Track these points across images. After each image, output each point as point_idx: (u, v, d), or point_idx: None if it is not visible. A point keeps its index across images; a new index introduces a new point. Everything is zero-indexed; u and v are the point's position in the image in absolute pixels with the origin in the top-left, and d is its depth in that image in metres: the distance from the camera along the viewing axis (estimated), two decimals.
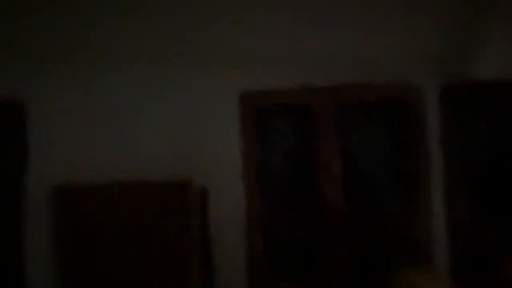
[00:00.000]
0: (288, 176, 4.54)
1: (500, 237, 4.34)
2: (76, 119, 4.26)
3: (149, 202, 4.05)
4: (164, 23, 4.15)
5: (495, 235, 4.38)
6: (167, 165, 4.23)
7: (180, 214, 3.97)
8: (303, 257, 4.45)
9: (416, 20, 4.13)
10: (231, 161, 4.40)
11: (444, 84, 4.44)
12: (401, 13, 4.14)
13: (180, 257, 3.98)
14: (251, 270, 4.38)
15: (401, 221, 4.46)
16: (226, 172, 4.38)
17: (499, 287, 4.14)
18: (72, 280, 3.93)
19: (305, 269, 4.46)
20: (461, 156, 4.49)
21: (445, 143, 4.46)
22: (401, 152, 4.54)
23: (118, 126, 4.29)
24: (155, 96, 4.39)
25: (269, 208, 4.48)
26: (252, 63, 4.35)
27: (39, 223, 4.14)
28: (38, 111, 4.17)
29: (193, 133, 4.38)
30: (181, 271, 3.91)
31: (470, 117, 4.50)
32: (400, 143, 4.53)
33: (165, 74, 4.38)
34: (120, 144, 4.25)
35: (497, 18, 4.26)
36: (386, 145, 4.56)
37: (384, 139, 4.56)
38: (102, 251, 4.10)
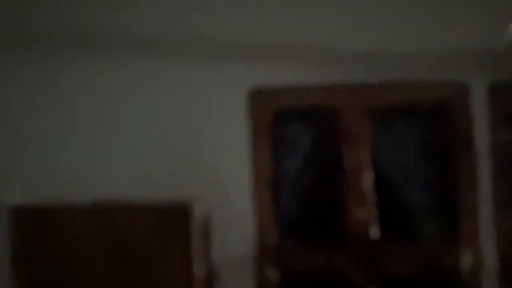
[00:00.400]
0: (308, 195, 3.79)
1: None
2: (42, 123, 3.37)
3: (137, 230, 3.19)
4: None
5: None
6: (159, 182, 3.39)
7: (179, 245, 3.13)
8: None
9: (462, 10, 3.56)
10: (238, 176, 3.65)
11: (495, 84, 3.82)
12: (445, 2, 3.53)
13: None
14: None
15: (445, 252, 3.78)
16: (233, 190, 3.64)
17: None
18: None
19: None
20: None
21: (496, 153, 3.83)
22: (444, 165, 3.84)
23: (97, 132, 3.44)
24: (143, 93, 3.55)
25: (285, 234, 3.74)
26: (266, 54, 3.64)
27: None
28: None
29: (191, 142, 3.60)
30: None
31: None
32: (443, 154, 3.84)
33: (156, 66, 3.57)
34: (100, 154, 3.44)
35: None
36: (426, 156, 3.85)
37: (424, 149, 3.85)
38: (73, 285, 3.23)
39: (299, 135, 3.79)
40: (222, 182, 3.60)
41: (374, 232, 3.73)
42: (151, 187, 3.48)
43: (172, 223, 3.19)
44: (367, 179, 3.76)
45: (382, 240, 3.76)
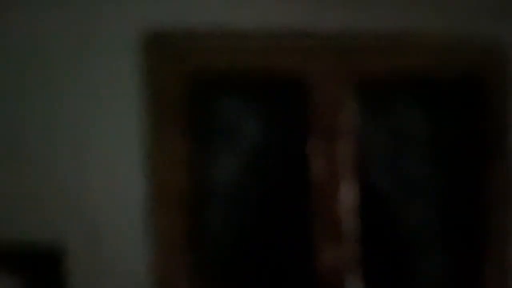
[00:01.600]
0: (252, 221, 2.28)
1: None
2: None
3: None
4: None
5: None
6: None
7: None
8: None
9: None
10: (126, 190, 2.04)
11: None
12: None
13: None
14: None
15: None
16: (115, 216, 2.00)
17: None
18: None
19: None
20: None
21: None
22: (466, 173, 2.50)
23: None
24: None
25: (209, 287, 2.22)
26: None
27: None
28: None
29: (42, 131, 1.97)
30: None
31: None
32: (465, 155, 2.50)
33: None
34: None
35: None
36: (440, 158, 2.50)
37: (437, 147, 2.49)
38: None
39: (239, 119, 2.25)
40: (96, 204, 1.97)
41: (354, 282, 2.32)
42: None
43: None
44: (347, 195, 2.33)
45: None
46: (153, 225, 2.04)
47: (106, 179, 1.96)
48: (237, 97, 2.24)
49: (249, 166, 2.25)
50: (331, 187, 2.32)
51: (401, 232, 2.47)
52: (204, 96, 2.18)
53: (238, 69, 2.18)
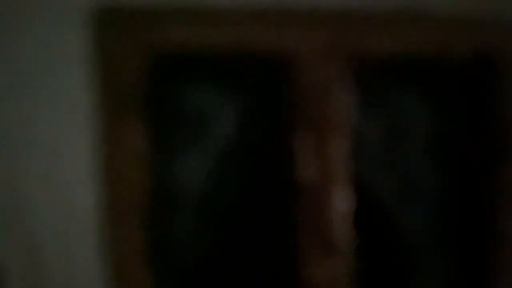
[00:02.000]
0: (225, 230, 1.93)
1: None
2: None
3: None
4: None
5: None
6: None
7: None
8: None
9: None
10: (71, 192, 1.67)
11: None
12: None
13: None
14: None
15: None
16: (58, 226, 1.65)
17: None
18: None
19: None
20: None
21: None
22: (477, 175, 2.16)
23: None
24: None
25: None
26: None
27: None
28: None
29: None
30: None
31: None
32: (477, 154, 2.16)
33: None
34: None
35: None
36: (449, 157, 2.15)
37: (446, 143, 2.15)
38: None
39: (210, 108, 1.89)
40: (37, 214, 1.61)
41: None
42: None
43: None
44: (340, 200, 1.99)
45: None
46: (106, 238, 1.68)
47: (49, 183, 1.60)
48: (208, 81, 1.89)
49: (222, 165, 1.89)
50: (321, 190, 1.97)
51: (401, 243, 2.13)
52: (167, 80, 1.83)
53: (209, 48, 1.83)
